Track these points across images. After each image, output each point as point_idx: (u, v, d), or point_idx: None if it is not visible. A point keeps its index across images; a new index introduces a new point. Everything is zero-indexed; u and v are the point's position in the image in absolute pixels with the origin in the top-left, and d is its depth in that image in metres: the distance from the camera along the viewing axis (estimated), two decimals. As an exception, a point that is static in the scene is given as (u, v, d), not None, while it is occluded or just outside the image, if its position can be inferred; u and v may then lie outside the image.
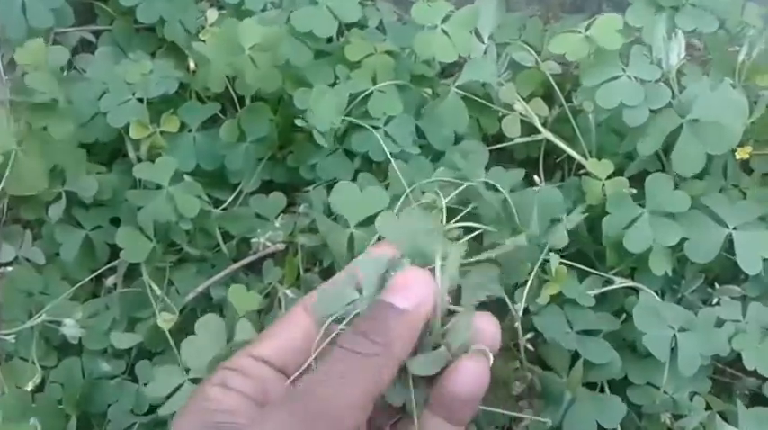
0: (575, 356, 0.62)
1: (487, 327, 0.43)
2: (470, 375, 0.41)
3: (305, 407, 0.37)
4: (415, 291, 0.40)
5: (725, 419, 0.60)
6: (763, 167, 0.69)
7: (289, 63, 0.68)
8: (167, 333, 0.64)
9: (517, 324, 0.59)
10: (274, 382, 0.42)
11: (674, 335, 0.60)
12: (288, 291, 0.66)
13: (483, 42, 0.74)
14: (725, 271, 0.65)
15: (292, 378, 0.42)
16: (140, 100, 0.70)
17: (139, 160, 0.70)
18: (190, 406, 0.41)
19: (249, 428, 0.38)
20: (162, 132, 0.70)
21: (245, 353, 0.43)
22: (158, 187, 0.66)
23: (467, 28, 0.68)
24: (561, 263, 0.62)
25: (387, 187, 0.65)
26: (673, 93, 0.63)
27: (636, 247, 0.62)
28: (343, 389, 0.38)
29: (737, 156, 0.64)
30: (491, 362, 0.41)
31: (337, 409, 0.37)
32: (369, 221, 0.62)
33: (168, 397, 0.62)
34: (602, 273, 0.64)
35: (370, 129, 0.67)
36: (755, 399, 0.66)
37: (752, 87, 0.66)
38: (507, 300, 0.58)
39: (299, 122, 0.66)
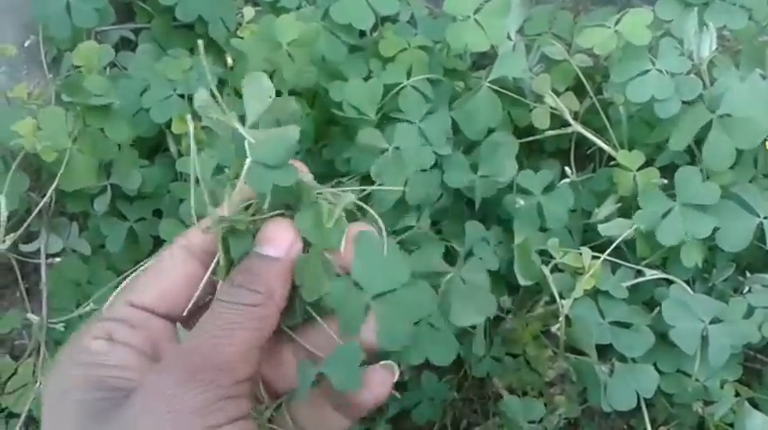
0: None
1: None
2: (378, 387, 0.42)
3: (194, 362, 0.37)
4: (283, 239, 0.41)
5: (755, 406, 0.61)
6: (794, 158, 0.69)
7: (324, 58, 0.69)
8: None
9: (561, 319, 0.61)
10: (161, 331, 0.41)
11: (705, 327, 0.61)
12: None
13: (510, 39, 0.74)
14: (756, 259, 0.66)
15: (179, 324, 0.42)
16: (181, 96, 0.72)
17: (181, 154, 0.72)
18: (64, 362, 0.39)
19: (142, 387, 0.37)
20: (203, 127, 0.72)
21: (124, 301, 0.41)
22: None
23: (500, 18, 0.68)
24: (594, 256, 0.63)
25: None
26: (704, 84, 0.64)
27: (669, 240, 0.62)
28: (228, 341, 0.38)
29: (768, 147, 0.64)
30: (396, 375, 0.42)
31: (224, 362, 0.38)
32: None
33: None
34: (632, 265, 0.65)
35: (406, 122, 0.68)
36: (785, 386, 0.67)
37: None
38: (553, 289, 0.60)
39: (337, 112, 0.67)
